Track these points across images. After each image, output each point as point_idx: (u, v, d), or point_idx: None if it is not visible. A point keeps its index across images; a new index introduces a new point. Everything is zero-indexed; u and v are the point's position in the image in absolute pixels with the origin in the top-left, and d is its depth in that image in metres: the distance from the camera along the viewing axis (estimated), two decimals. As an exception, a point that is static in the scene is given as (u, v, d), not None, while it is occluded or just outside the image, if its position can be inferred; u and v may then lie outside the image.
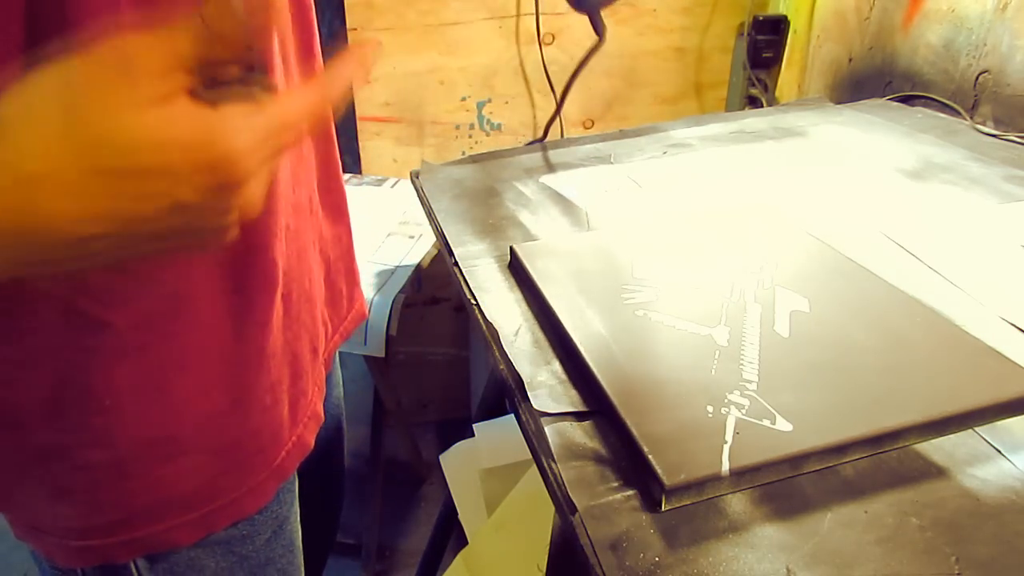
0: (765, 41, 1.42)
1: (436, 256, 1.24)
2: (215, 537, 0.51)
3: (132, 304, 0.43)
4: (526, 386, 0.51)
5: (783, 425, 0.45)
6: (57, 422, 0.44)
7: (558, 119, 0.94)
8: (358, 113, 1.52)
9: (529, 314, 0.60)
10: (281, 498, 0.57)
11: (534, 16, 1.45)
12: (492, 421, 1.26)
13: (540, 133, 0.99)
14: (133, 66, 0.29)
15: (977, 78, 1.03)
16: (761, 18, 1.42)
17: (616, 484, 0.43)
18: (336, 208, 0.65)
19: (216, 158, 0.29)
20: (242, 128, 0.30)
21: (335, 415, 0.80)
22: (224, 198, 0.31)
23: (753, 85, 1.47)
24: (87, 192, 0.29)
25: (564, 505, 0.43)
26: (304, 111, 0.33)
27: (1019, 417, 0.47)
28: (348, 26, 1.44)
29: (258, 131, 0.31)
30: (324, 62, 0.51)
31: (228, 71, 0.32)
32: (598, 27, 0.74)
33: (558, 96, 0.91)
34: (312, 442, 0.59)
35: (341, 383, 0.82)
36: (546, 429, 0.47)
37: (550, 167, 0.91)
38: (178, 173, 0.29)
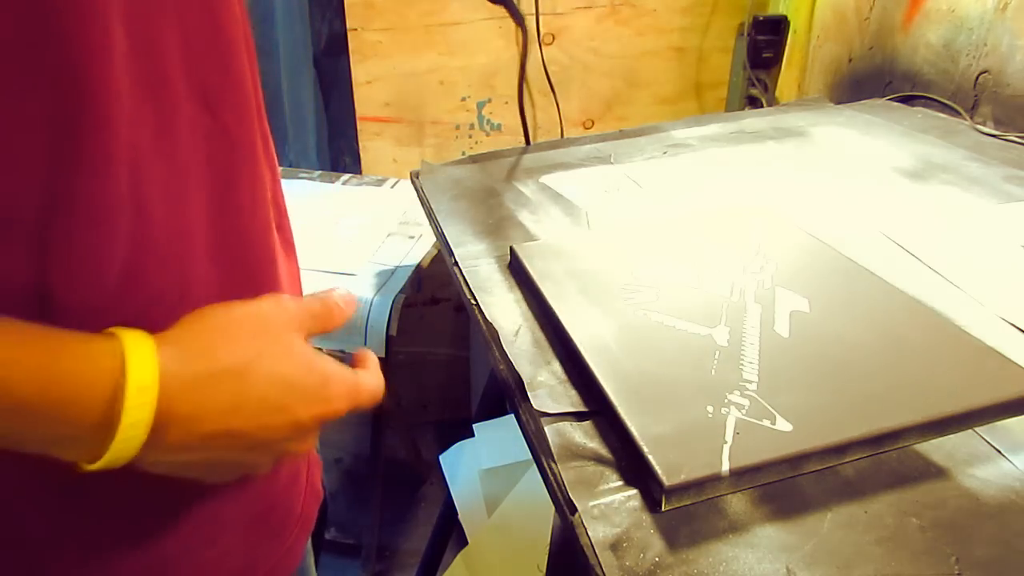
0: (765, 41, 1.42)
1: (436, 256, 1.24)
2: None
3: None
4: (526, 386, 0.51)
5: (783, 425, 0.45)
6: (95, 534, 0.40)
7: (558, 120, 0.94)
8: (358, 113, 1.52)
9: (529, 314, 0.60)
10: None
11: (534, 16, 1.45)
12: (492, 421, 1.26)
13: (540, 134, 1.00)
14: (281, 321, 0.38)
15: (977, 78, 1.03)
16: (761, 18, 1.42)
17: (616, 484, 0.43)
18: (288, 244, 0.62)
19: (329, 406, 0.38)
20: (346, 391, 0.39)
21: None
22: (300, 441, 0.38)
23: (753, 85, 1.47)
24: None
25: (564, 505, 0.43)
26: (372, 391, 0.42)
27: (1019, 417, 0.47)
28: (348, 26, 1.44)
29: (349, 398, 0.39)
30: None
31: None
32: (517, 16, 0.82)
33: (557, 98, 0.91)
34: (320, 487, 0.56)
35: None
36: (546, 429, 0.47)
37: (550, 167, 0.91)
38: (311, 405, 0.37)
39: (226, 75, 0.40)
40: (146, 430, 0.31)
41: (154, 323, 0.34)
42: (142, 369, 0.31)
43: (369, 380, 0.41)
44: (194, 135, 0.38)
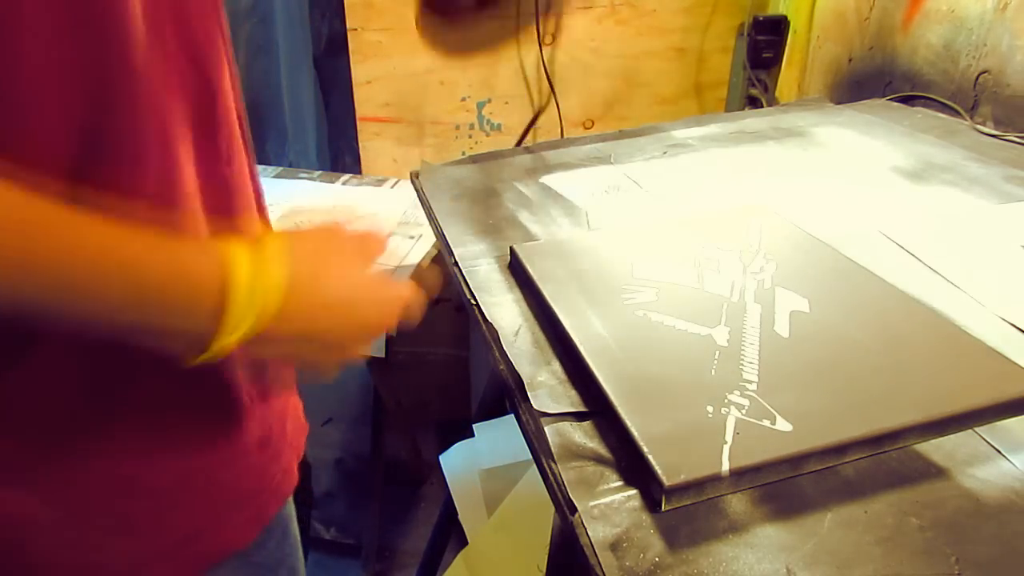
0: (765, 41, 1.42)
1: (436, 256, 1.24)
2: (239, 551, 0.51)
3: None
4: (526, 386, 0.51)
5: (783, 425, 0.45)
6: (128, 457, 0.44)
7: (557, 120, 0.94)
8: (358, 113, 1.52)
9: (529, 314, 0.60)
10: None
11: (534, 16, 1.45)
12: (492, 421, 1.26)
13: (540, 134, 1.00)
14: (342, 247, 0.44)
15: (977, 78, 1.03)
16: (761, 18, 1.42)
17: (616, 484, 0.43)
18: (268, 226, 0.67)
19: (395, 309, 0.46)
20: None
21: None
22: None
23: (753, 85, 1.47)
24: (312, 314, 0.41)
25: (564, 505, 0.43)
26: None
27: (1019, 417, 0.47)
28: (348, 26, 1.44)
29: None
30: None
31: None
32: None
33: (557, 98, 0.91)
34: (304, 420, 0.61)
35: None
36: (546, 429, 0.47)
37: (550, 167, 0.91)
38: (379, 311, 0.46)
39: (208, 34, 0.44)
40: (247, 327, 0.37)
41: None
42: (242, 274, 0.37)
43: (413, 292, 0.48)
44: (183, 85, 0.42)
